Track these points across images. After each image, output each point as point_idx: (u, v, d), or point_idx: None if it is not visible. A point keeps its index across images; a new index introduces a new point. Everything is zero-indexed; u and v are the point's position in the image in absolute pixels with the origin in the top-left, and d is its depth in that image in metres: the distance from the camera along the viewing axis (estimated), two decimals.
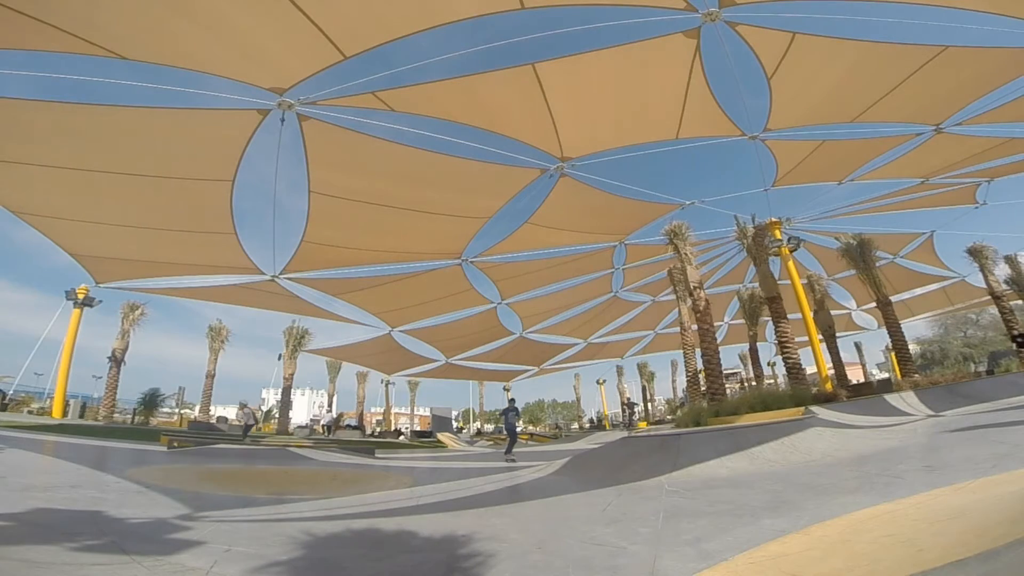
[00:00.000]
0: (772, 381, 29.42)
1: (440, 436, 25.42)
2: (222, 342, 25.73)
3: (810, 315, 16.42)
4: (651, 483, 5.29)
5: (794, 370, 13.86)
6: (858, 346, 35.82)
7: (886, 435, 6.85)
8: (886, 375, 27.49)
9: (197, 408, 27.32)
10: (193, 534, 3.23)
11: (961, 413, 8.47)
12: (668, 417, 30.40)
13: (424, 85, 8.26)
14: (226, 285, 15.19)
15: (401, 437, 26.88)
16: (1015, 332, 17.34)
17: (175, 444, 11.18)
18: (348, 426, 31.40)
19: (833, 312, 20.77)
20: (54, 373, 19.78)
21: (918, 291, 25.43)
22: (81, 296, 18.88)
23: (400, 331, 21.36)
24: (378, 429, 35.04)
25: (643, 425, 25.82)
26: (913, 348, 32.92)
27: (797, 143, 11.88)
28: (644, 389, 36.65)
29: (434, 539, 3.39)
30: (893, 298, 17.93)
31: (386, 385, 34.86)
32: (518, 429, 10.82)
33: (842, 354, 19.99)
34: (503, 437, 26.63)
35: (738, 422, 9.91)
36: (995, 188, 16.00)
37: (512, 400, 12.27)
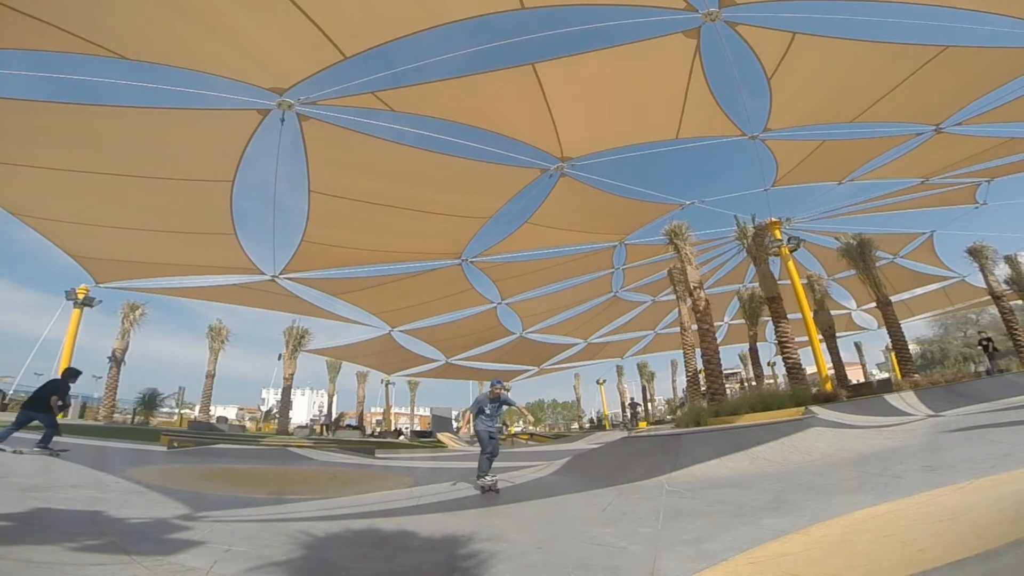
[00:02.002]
0: (772, 381, 29.42)
1: (440, 436, 25.44)
2: (222, 342, 25.75)
3: (810, 315, 16.39)
4: (651, 483, 5.28)
5: (794, 370, 13.85)
6: (858, 346, 35.86)
7: (886, 435, 6.85)
8: (886, 375, 27.50)
9: (197, 408, 27.32)
10: (193, 534, 3.22)
11: (961, 413, 8.47)
12: (668, 417, 30.42)
13: (424, 85, 8.26)
14: (226, 285, 15.19)
15: (401, 437, 26.91)
16: (981, 336, 17.25)
17: (175, 444, 11.19)
18: (348, 426, 31.47)
19: (833, 312, 20.77)
20: (54, 373, 19.76)
21: (918, 291, 25.42)
22: (81, 296, 18.85)
23: (400, 331, 21.36)
24: (378, 429, 35.09)
25: (643, 425, 25.82)
26: (913, 348, 32.93)
27: (797, 143, 11.88)
28: (644, 389, 36.67)
29: (434, 539, 3.39)
30: (893, 298, 17.93)
31: (386, 385, 34.90)
32: (502, 431, 7.05)
33: (842, 354, 20.00)
34: (504, 437, 26.58)
35: (738, 422, 9.91)
36: (995, 188, 16.01)
37: (496, 384, 6.52)
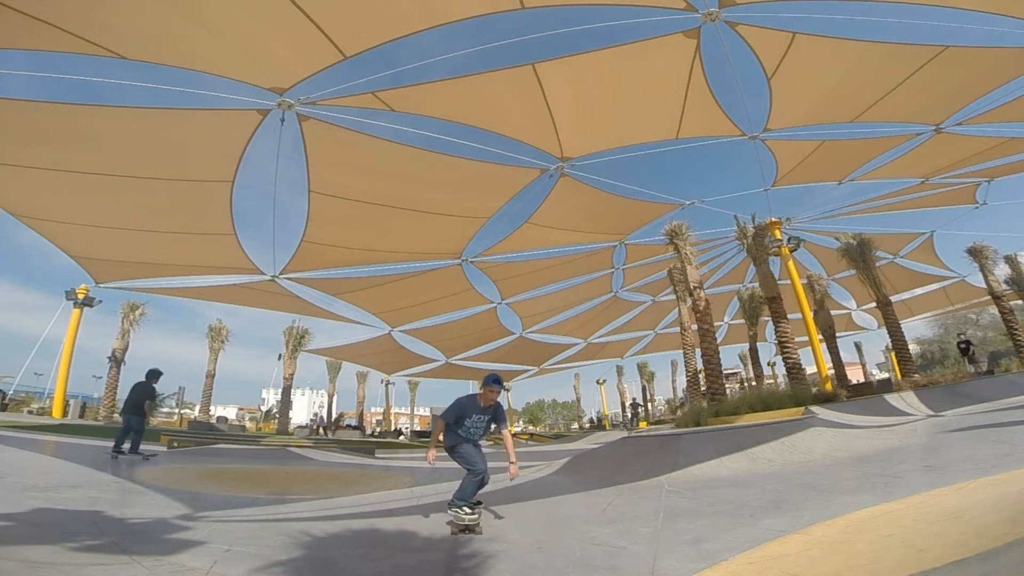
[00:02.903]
0: (772, 381, 29.42)
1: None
2: (222, 342, 25.71)
3: (810, 315, 16.41)
4: (651, 483, 5.29)
5: (794, 370, 13.85)
6: (858, 346, 35.86)
7: (886, 435, 6.85)
8: (886, 375, 27.49)
9: (197, 408, 27.31)
10: (193, 534, 3.22)
11: (961, 413, 8.47)
12: (668, 417, 30.43)
13: (424, 85, 8.26)
14: (226, 285, 15.19)
15: (401, 437, 26.91)
16: (960, 339, 17.06)
17: (175, 444, 11.19)
18: (348, 426, 31.47)
19: (833, 312, 20.76)
20: (54, 373, 19.78)
21: (918, 291, 25.42)
22: (81, 296, 18.86)
23: (400, 331, 21.37)
24: (378, 429, 35.07)
25: (643, 425, 25.82)
26: (913, 348, 32.91)
27: (797, 143, 11.88)
28: (644, 389, 36.67)
29: (434, 539, 3.39)
30: (893, 298, 17.92)
31: (386, 385, 34.90)
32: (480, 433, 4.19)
33: (842, 354, 19.98)
34: (501, 437, 26.48)
35: (738, 422, 9.91)
36: (995, 188, 16.01)
37: (492, 384, 4.02)
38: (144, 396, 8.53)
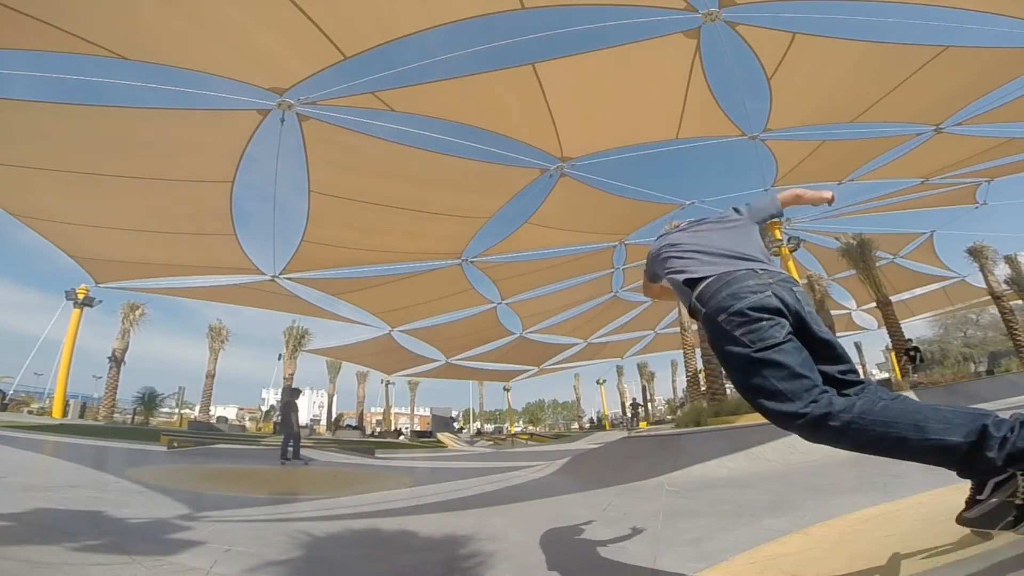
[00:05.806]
0: None
1: (440, 436, 25.48)
2: (222, 342, 25.78)
3: None
4: (651, 483, 5.28)
5: None
6: (858, 346, 35.97)
7: None
8: (886, 375, 27.49)
9: (197, 408, 27.33)
10: (193, 534, 3.22)
11: None
12: (668, 417, 30.42)
13: (424, 85, 8.27)
14: (226, 285, 15.19)
15: (401, 437, 26.94)
16: (908, 346, 16.14)
17: (175, 444, 11.19)
18: (348, 426, 31.49)
19: (833, 312, 20.80)
20: (54, 373, 19.82)
21: (918, 291, 25.43)
22: (81, 296, 18.90)
23: (400, 331, 21.36)
24: (378, 429, 35.10)
25: (643, 425, 25.84)
26: None
27: (797, 143, 11.89)
28: (644, 389, 36.70)
29: (434, 539, 3.39)
30: (893, 298, 17.95)
31: (386, 385, 34.97)
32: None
33: None
34: (503, 437, 26.51)
35: (738, 422, 9.90)
36: (995, 188, 16.01)
37: None
38: (289, 410, 10.11)
